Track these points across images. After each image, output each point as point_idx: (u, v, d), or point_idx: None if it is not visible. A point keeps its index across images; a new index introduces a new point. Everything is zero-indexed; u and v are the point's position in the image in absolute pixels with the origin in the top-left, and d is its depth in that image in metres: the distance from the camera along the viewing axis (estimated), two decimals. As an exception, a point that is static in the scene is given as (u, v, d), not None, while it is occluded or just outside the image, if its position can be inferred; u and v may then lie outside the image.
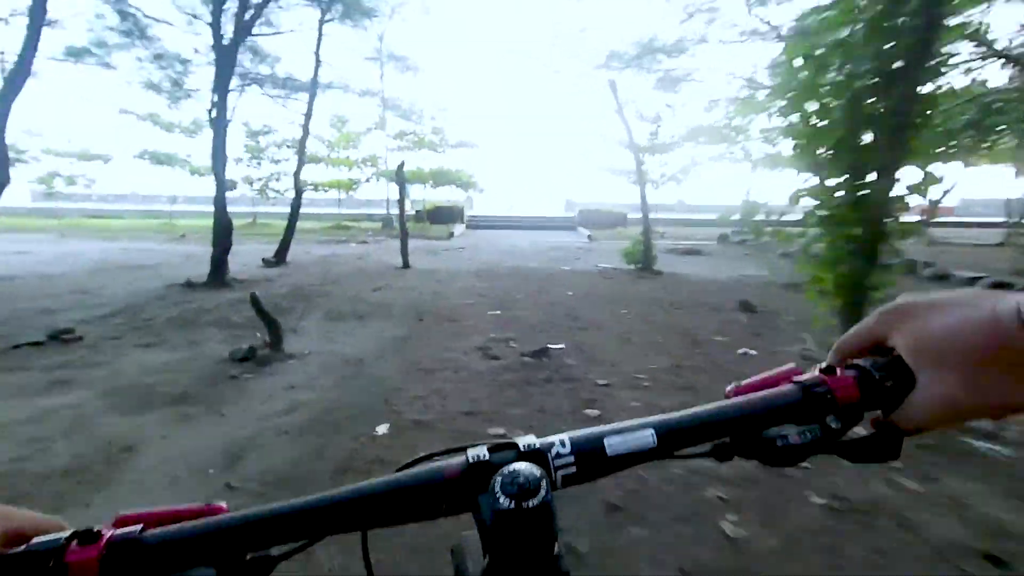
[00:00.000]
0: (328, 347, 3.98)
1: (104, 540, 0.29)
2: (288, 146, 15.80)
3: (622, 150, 17.68)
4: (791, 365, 0.40)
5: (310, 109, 9.12)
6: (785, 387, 0.37)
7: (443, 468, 0.34)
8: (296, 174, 9.28)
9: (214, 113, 6.61)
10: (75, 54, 7.92)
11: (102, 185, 17.97)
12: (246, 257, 8.95)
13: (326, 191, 17.31)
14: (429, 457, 0.37)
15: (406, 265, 8.71)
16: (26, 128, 15.17)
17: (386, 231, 16.53)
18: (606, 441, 0.34)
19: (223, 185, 7.00)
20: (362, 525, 0.34)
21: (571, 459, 0.34)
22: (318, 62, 9.07)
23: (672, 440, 0.35)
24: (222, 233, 6.56)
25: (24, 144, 14.79)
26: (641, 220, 9.05)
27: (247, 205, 18.21)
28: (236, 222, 7.97)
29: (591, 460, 0.34)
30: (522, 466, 0.32)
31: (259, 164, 16.16)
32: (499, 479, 0.31)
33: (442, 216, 18.42)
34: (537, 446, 0.34)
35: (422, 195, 18.23)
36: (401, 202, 8.78)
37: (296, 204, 8.99)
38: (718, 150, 16.78)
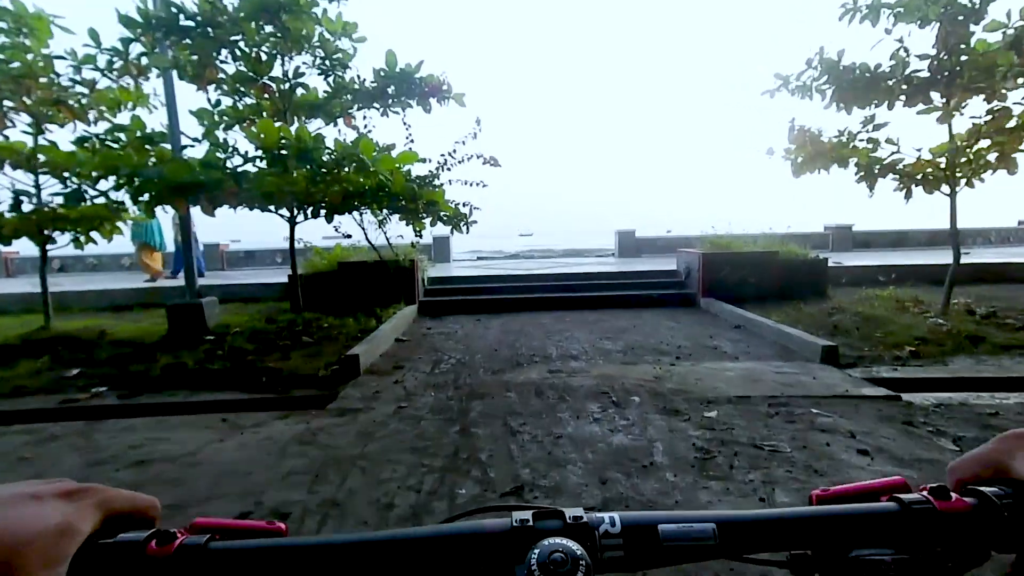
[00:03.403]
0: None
1: (177, 543, 0.31)
2: None
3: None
4: (897, 477, 0.34)
5: None
6: (883, 502, 0.33)
7: (485, 526, 0.32)
8: None
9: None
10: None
11: None
12: None
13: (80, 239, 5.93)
14: (477, 511, 0.36)
15: None
16: None
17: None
18: (660, 528, 0.32)
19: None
20: (404, 573, 0.32)
21: (619, 541, 0.31)
22: None
23: (737, 539, 0.32)
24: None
25: None
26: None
27: None
28: None
29: (642, 545, 0.32)
30: (562, 542, 0.30)
31: None
32: (536, 552, 0.29)
33: (353, 293, 7.14)
34: (584, 519, 0.32)
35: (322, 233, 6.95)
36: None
37: None
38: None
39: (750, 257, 7.41)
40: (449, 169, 6.47)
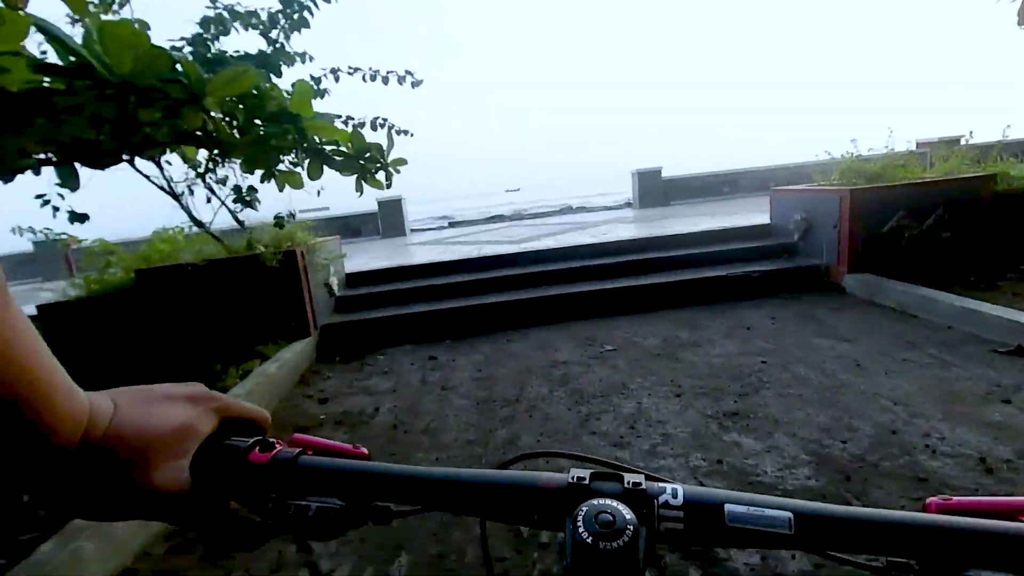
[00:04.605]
0: None
1: (273, 453, 0.35)
2: None
3: None
4: None
5: None
6: (1015, 523, 0.28)
7: (542, 478, 0.32)
8: None
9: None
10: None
11: None
12: None
13: None
14: (542, 455, 0.40)
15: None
16: None
17: None
18: (727, 507, 0.29)
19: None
20: (466, 509, 0.33)
21: (679, 513, 0.30)
22: None
23: (817, 534, 0.29)
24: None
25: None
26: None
27: None
28: None
29: (704, 522, 0.30)
30: (613, 504, 0.29)
31: None
32: (585, 509, 0.29)
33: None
34: (643, 487, 0.31)
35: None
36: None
37: None
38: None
39: (942, 192, 3.88)
40: (306, 21, 2.74)
